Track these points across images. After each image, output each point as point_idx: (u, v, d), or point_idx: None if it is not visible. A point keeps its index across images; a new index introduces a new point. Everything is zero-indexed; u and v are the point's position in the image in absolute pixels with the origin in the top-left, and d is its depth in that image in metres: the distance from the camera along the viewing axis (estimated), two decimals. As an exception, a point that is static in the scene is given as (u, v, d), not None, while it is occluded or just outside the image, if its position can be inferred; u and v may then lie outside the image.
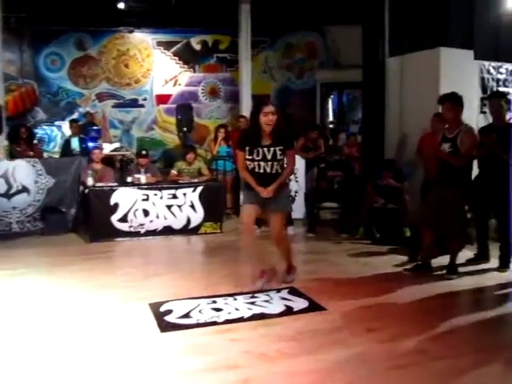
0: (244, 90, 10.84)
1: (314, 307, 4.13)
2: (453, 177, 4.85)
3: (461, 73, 6.64)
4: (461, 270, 5.10)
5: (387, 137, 7.55)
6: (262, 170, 4.40)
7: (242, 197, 4.83)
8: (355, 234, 6.73)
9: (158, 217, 6.91)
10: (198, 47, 12.50)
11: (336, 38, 12.09)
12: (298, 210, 7.65)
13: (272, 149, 4.35)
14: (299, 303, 4.21)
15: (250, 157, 4.38)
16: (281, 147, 4.37)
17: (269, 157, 4.36)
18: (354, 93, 12.85)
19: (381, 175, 6.67)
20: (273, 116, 4.28)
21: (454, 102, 4.89)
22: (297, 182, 7.83)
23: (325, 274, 5.14)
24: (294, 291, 4.50)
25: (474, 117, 6.69)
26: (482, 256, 5.52)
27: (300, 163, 7.85)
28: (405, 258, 5.56)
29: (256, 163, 4.40)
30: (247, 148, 4.40)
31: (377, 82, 7.64)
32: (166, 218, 6.95)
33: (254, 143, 4.37)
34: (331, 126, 12.99)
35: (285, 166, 4.49)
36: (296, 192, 7.83)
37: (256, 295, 4.39)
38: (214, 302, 4.25)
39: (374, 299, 4.32)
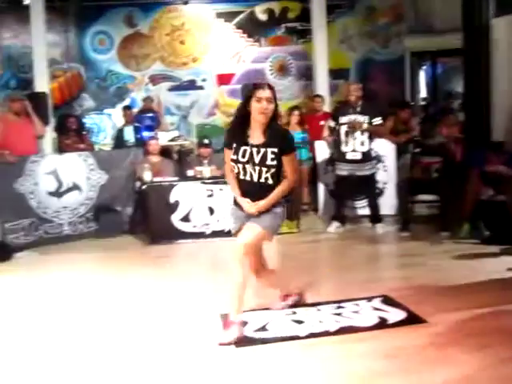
0: (319, 64, 10.77)
1: (412, 319, 4.08)
2: None
3: None
4: None
5: (494, 114, 7.36)
6: (247, 177, 3.88)
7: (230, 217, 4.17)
8: (458, 232, 6.57)
9: (225, 215, 7.03)
10: (263, 17, 12.56)
11: (428, -3, 11.84)
12: (388, 204, 7.61)
13: (263, 150, 3.81)
14: (395, 314, 4.17)
15: (235, 157, 3.87)
16: (275, 149, 3.81)
17: (256, 160, 3.82)
18: (450, 62, 12.54)
19: (488, 161, 6.48)
20: (269, 104, 3.74)
21: None
22: (386, 171, 7.77)
23: (423, 280, 5.07)
24: (388, 300, 4.46)
25: None
26: None
27: (389, 149, 7.80)
28: (521, 260, 5.41)
29: (240, 166, 3.87)
30: (234, 145, 3.88)
31: (480, 48, 7.45)
32: (234, 217, 7.05)
33: (241, 139, 3.87)
34: (423, 102, 12.76)
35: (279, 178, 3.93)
36: (385, 184, 7.77)
37: (342, 305, 4.40)
38: (294, 313, 4.28)
39: (486, 310, 4.21)
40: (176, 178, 7.32)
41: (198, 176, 7.20)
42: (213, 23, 12.44)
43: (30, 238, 7.05)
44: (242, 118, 3.86)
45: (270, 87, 3.82)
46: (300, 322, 4.10)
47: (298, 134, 8.60)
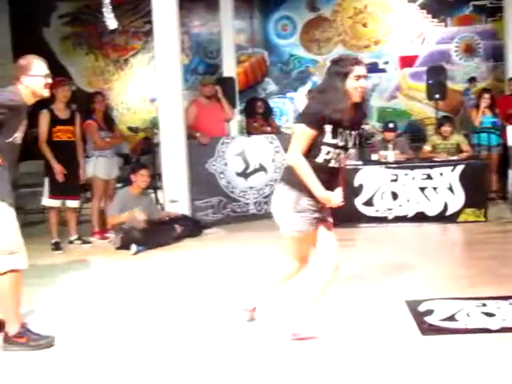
0: (510, 44, 10.18)
1: None
2: None
3: None
4: None
5: None
6: (336, 164, 3.48)
7: (289, 214, 3.46)
8: None
9: (408, 201, 6.96)
10: (449, -4, 12.10)
11: None
12: None
13: (354, 133, 3.51)
14: None
15: (334, 141, 3.42)
16: (359, 130, 3.59)
17: (351, 143, 3.51)
18: None
19: None
20: (365, 80, 3.44)
21: None
22: None
23: None
24: None
25: None
26: None
27: None
28: None
29: (336, 152, 3.44)
30: (330, 127, 3.40)
31: None
32: (418, 203, 6.97)
33: (339, 121, 3.40)
34: None
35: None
36: None
37: (537, 301, 4.17)
38: (484, 305, 4.12)
39: None
40: (360, 162, 7.32)
41: (383, 160, 7.17)
42: (396, 4, 12.22)
43: (218, 216, 7.46)
44: (342, 98, 3.38)
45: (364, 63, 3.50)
46: (491, 315, 3.93)
47: (487, 118, 8.32)
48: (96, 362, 3.42)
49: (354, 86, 3.36)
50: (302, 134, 3.38)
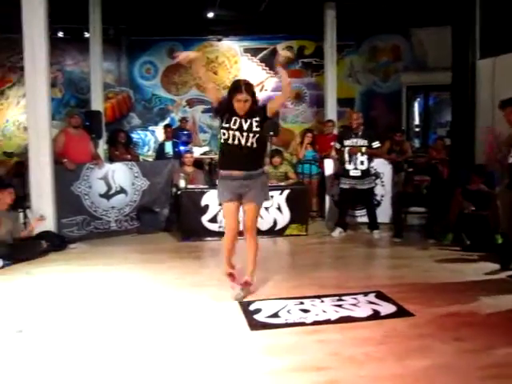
0: (329, 94, 10.84)
1: (401, 312, 4.06)
2: None
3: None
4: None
5: (478, 141, 7.28)
6: (236, 142, 4.10)
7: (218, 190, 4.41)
8: (443, 240, 6.52)
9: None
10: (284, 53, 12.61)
11: (422, 39, 11.81)
12: (385, 214, 7.58)
13: (249, 120, 4.08)
14: (386, 308, 4.15)
15: (227, 125, 4.10)
16: (257, 119, 4.09)
17: (245, 127, 4.08)
18: (441, 95, 12.49)
19: (471, 180, 6.43)
20: (245, 104, 4.04)
21: None
22: (383, 186, 7.74)
23: (411, 279, 5.03)
24: (381, 295, 4.44)
25: None
26: None
27: (386, 167, 7.77)
28: (496, 266, 5.34)
29: (231, 133, 4.10)
30: (225, 115, 4.11)
31: (467, 84, 7.38)
32: (253, 220, 7.06)
33: (232, 113, 4.09)
34: (417, 129, 12.72)
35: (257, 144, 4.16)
36: (382, 196, 7.74)
37: (343, 298, 4.37)
38: (302, 303, 4.27)
39: (463, 307, 4.18)
40: (206, 186, 7.33)
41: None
42: (241, 57, 12.55)
43: (82, 232, 7.10)
44: (230, 104, 4.07)
45: (247, 87, 4.04)
46: (306, 311, 4.08)
47: (309, 152, 8.64)
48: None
49: (235, 105, 4.03)
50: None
